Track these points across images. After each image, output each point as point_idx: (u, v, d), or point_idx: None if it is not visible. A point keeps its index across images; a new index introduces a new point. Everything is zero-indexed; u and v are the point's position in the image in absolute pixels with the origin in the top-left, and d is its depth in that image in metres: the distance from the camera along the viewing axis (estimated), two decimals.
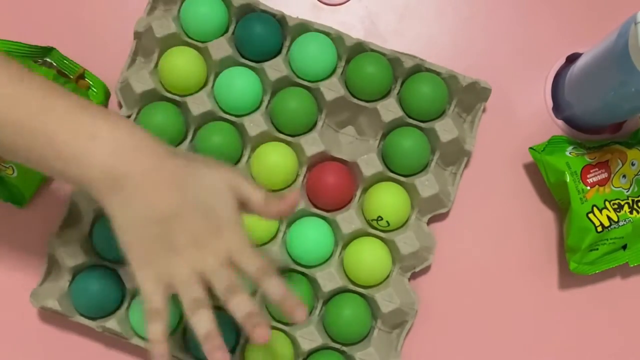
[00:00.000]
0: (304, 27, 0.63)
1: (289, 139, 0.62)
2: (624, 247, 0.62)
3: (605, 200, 0.61)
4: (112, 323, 0.58)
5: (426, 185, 0.61)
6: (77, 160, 0.46)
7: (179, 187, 0.47)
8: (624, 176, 0.62)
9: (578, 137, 0.65)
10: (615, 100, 0.58)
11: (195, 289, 0.48)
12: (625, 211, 0.61)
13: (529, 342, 0.63)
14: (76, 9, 0.66)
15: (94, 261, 0.59)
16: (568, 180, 0.60)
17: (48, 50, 0.62)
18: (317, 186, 0.61)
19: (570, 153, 0.62)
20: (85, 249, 0.59)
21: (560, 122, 0.66)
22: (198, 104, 0.62)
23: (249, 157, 0.62)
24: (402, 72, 0.63)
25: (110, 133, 0.47)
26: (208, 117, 0.62)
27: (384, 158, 0.63)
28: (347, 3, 0.68)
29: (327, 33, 0.63)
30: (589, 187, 0.61)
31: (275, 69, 0.62)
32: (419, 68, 0.63)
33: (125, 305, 0.59)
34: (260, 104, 0.63)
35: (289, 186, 0.62)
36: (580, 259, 0.61)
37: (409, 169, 0.62)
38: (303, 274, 0.61)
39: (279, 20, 0.63)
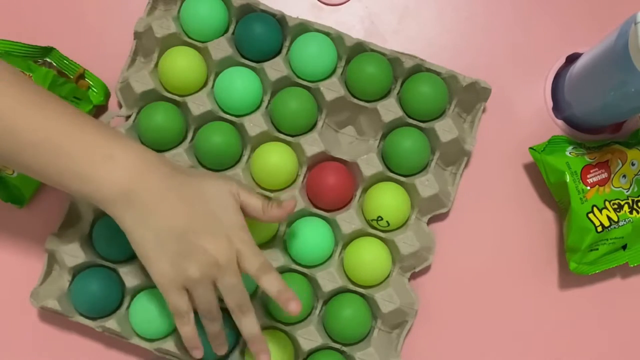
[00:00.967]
0: (304, 27, 0.63)
1: (289, 139, 0.62)
2: (624, 247, 0.62)
3: (605, 200, 0.61)
4: (112, 323, 0.58)
5: (426, 185, 0.61)
6: (93, 180, 0.49)
7: (187, 202, 0.51)
8: (624, 176, 0.62)
9: (578, 137, 0.65)
10: (615, 100, 0.58)
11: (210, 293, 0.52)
12: (625, 211, 0.61)
13: (529, 342, 0.63)
14: (76, 9, 0.67)
15: (94, 261, 0.59)
16: (568, 180, 0.60)
17: (48, 50, 0.62)
18: (317, 186, 0.61)
19: (570, 153, 0.62)
20: (85, 249, 0.59)
21: (560, 122, 0.66)
22: (198, 104, 0.62)
23: (249, 157, 0.62)
24: (402, 72, 0.63)
25: (123, 154, 0.50)
26: (208, 117, 0.62)
27: (384, 158, 0.63)
28: (347, 3, 0.68)
29: (327, 33, 0.63)
30: (589, 187, 0.61)
31: (275, 69, 0.62)
32: (419, 68, 0.63)
33: (125, 305, 0.59)
34: (260, 104, 0.63)
35: (289, 186, 0.62)
36: (580, 259, 0.61)
37: (409, 169, 0.62)
38: (303, 274, 0.61)
39: (279, 20, 0.63)
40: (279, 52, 0.64)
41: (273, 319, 0.60)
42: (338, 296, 0.60)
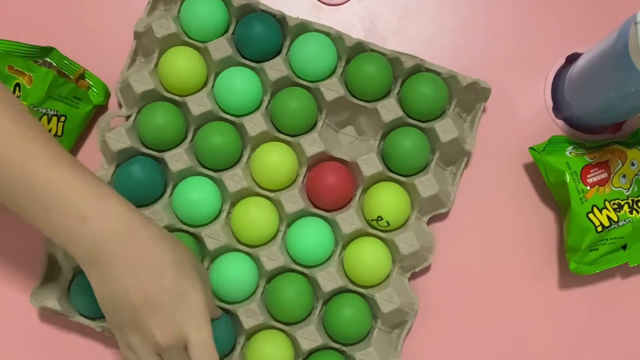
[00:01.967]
0: (304, 27, 0.63)
1: (289, 139, 0.62)
2: (624, 247, 0.62)
3: (605, 200, 0.61)
4: None
5: (426, 185, 0.61)
6: (66, 235, 0.48)
7: (157, 275, 0.49)
8: (624, 176, 0.62)
9: (578, 137, 0.65)
10: (615, 100, 0.58)
11: None
12: (625, 211, 0.61)
13: (529, 342, 0.63)
14: (76, 9, 0.67)
15: None
16: (568, 180, 0.60)
17: (48, 50, 0.62)
18: (317, 186, 0.61)
19: (570, 153, 0.62)
20: None
21: (560, 122, 0.66)
22: (198, 104, 0.62)
23: (249, 157, 0.62)
24: (402, 72, 0.63)
25: (99, 216, 0.48)
26: (208, 117, 0.62)
27: (384, 158, 0.63)
28: (347, 3, 0.68)
29: (327, 33, 0.63)
30: (589, 187, 0.61)
31: (275, 69, 0.62)
32: (419, 68, 0.63)
33: None
34: (260, 104, 0.63)
35: (289, 186, 0.62)
36: (580, 259, 0.61)
37: (409, 169, 0.62)
38: (303, 274, 0.61)
39: (279, 20, 0.63)
40: (279, 52, 0.64)
41: (273, 318, 0.60)
42: (338, 296, 0.60)
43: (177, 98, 0.62)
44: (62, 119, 0.61)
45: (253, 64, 0.63)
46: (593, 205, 0.60)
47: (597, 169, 0.61)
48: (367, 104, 0.63)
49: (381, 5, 0.68)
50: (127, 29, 0.63)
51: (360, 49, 0.63)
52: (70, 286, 0.59)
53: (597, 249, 0.61)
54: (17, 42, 0.61)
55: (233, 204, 0.62)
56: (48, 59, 0.63)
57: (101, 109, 0.65)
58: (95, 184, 0.49)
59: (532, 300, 0.64)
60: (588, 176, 0.61)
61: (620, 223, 0.61)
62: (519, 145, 0.65)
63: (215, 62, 0.62)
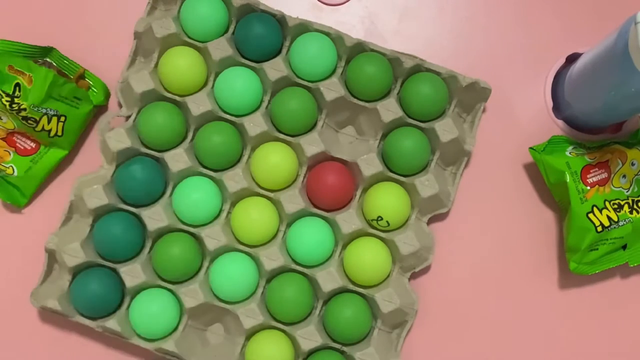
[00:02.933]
0: (304, 27, 0.63)
1: (289, 139, 0.62)
2: (624, 247, 0.62)
3: (605, 200, 0.61)
4: (112, 323, 0.58)
5: (426, 185, 0.61)
6: None
7: None
8: (624, 176, 0.62)
9: (578, 137, 0.65)
10: (615, 100, 0.58)
11: None
12: (625, 211, 0.61)
13: (529, 342, 0.63)
14: (76, 9, 0.67)
15: (94, 261, 0.59)
16: (568, 180, 0.60)
17: (48, 50, 0.62)
18: (317, 186, 0.61)
19: (570, 153, 0.62)
20: (85, 249, 0.59)
21: (560, 122, 0.66)
22: (198, 104, 0.62)
23: (249, 157, 0.62)
24: (402, 72, 0.63)
25: None
26: (208, 117, 0.62)
27: (384, 158, 0.63)
28: (347, 3, 0.68)
29: (327, 33, 0.63)
30: (589, 187, 0.61)
31: (275, 69, 0.62)
32: (419, 68, 0.63)
33: (125, 305, 0.59)
34: (260, 104, 0.63)
35: (289, 186, 0.62)
36: (580, 259, 0.61)
37: (409, 169, 0.62)
38: (303, 274, 0.61)
39: (279, 20, 0.63)
40: (279, 52, 0.64)
41: (273, 318, 0.60)
42: (338, 296, 0.60)
43: (177, 98, 0.62)
44: (62, 119, 0.61)
45: (253, 64, 0.63)
46: (593, 205, 0.60)
47: (597, 169, 0.61)
48: (367, 104, 0.63)
49: (381, 5, 0.68)
50: (127, 29, 0.63)
51: (360, 49, 0.63)
52: (70, 286, 0.59)
53: (597, 249, 0.61)
54: (17, 42, 0.61)
55: (233, 204, 0.62)
56: (48, 59, 0.63)
57: (101, 109, 0.65)
58: None
59: (532, 300, 0.64)
60: (588, 176, 0.61)
61: (620, 223, 0.61)
62: (519, 145, 0.65)
63: (215, 62, 0.62)
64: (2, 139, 0.62)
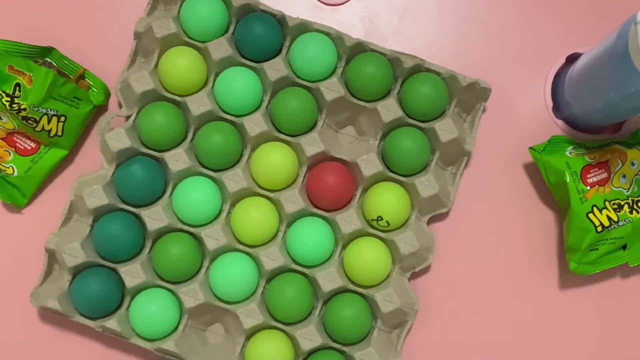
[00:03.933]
0: (304, 27, 0.63)
1: (289, 139, 0.62)
2: (624, 247, 0.62)
3: (605, 200, 0.61)
4: (112, 323, 0.58)
5: (426, 185, 0.61)
6: None
7: None
8: (624, 176, 0.62)
9: (578, 137, 0.65)
10: (615, 100, 0.58)
11: None
12: (625, 211, 0.61)
13: (529, 342, 0.63)
14: (76, 9, 0.67)
15: (94, 261, 0.59)
16: (568, 180, 0.60)
17: (48, 50, 0.62)
18: (317, 186, 0.61)
19: (570, 153, 0.62)
20: (85, 249, 0.59)
21: (560, 122, 0.66)
22: (198, 104, 0.62)
23: (249, 157, 0.62)
24: (402, 72, 0.63)
25: None
26: (208, 117, 0.62)
27: (384, 158, 0.63)
28: (347, 3, 0.68)
29: (327, 33, 0.63)
30: (588, 187, 0.61)
31: (275, 69, 0.62)
32: (419, 68, 0.63)
33: (125, 305, 0.59)
34: (260, 104, 0.63)
35: (289, 186, 0.62)
36: (580, 259, 0.61)
37: (409, 169, 0.62)
38: (303, 274, 0.61)
39: (279, 20, 0.63)
40: (279, 52, 0.64)
41: (273, 318, 0.60)
42: (338, 296, 0.60)
43: (177, 98, 0.62)
44: (62, 119, 0.61)
45: (253, 64, 0.63)
46: (593, 205, 0.60)
47: (597, 169, 0.61)
48: (367, 104, 0.63)
49: (381, 5, 0.68)
50: (127, 29, 0.63)
51: (360, 49, 0.63)
52: (70, 286, 0.59)
53: (597, 249, 0.61)
54: (17, 42, 0.61)
55: (233, 204, 0.62)
56: (48, 59, 0.63)
57: (101, 109, 0.65)
58: None
59: (532, 300, 0.64)
60: (588, 176, 0.61)
61: (620, 223, 0.61)
62: (519, 145, 0.65)
63: (215, 62, 0.62)
64: (2, 139, 0.62)
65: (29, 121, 0.60)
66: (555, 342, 0.63)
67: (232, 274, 0.59)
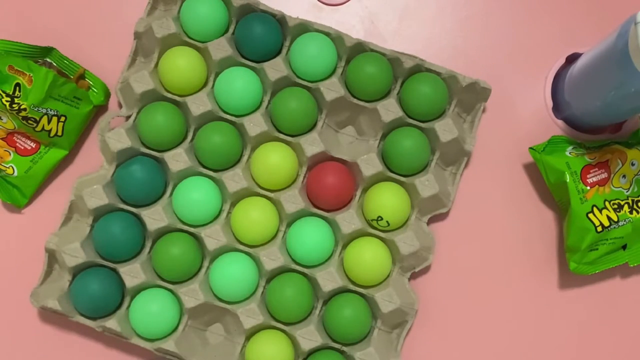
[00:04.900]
0: (304, 27, 0.63)
1: (289, 139, 0.62)
2: (624, 247, 0.62)
3: (605, 200, 0.61)
4: (112, 323, 0.58)
5: (426, 185, 0.61)
6: None
7: None
8: (624, 176, 0.62)
9: (578, 137, 0.65)
10: (615, 100, 0.58)
11: None
12: (625, 211, 0.61)
13: (529, 342, 0.63)
14: (76, 9, 0.67)
15: (94, 261, 0.59)
16: (568, 180, 0.60)
17: (48, 50, 0.62)
18: (317, 186, 0.61)
19: (570, 153, 0.62)
20: (85, 249, 0.59)
21: (560, 122, 0.66)
22: (198, 104, 0.62)
23: (249, 157, 0.62)
24: (402, 72, 0.63)
25: None
26: (208, 117, 0.62)
27: (384, 158, 0.63)
28: (347, 3, 0.68)
29: (327, 33, 0.63)
30: (588, 187, 0.61)
31: (275, 69, 0.62)
32: (419, 68, 0.63)
33: (125, 305, 0.59)
34: (260, 104, 0.63)
35: (289, 186, 0.62)
36: (580, 259, 0.61)
37: (409, 169, 0.62)
38: (303, 274, 0.61)
39: (279, 20, 0.63)
40: (279, 52, 0.64)
41: (273, 318, 0.60)
42: (338, 296, 0.60)
43: (177, 98, 0.62)
44: (62, 119, 0.61)
45: (253, 64, 0.63)
46: (593, 205, 0.60)
47: (597, 169, 0.61)
48: (367, 104, 0.63)
49: (381, 5, 0.68)
50: (127, 29, 0.63)
51: (360, 49, 0.63)
52: (70, 286, 0.59)
53: (597, 249, 0.61)
54: (17, 42, 0.61)
55: (233, 204, 0.62)
56: (48, 59, 0.63)
57: (101, 109, 0.65)
58: None
59: (532, 300, 0.64)
60: (588, 176, 0.61)
61: (620, 223, 0.61)
62: (519, 145, 0.65)
63: (215, 62, 0.62)
64: (2, 139, 0.62)
65: (29, 121, 0.60)
66: (555, 342, 0.63)
67: (232, 274, 0.59)
